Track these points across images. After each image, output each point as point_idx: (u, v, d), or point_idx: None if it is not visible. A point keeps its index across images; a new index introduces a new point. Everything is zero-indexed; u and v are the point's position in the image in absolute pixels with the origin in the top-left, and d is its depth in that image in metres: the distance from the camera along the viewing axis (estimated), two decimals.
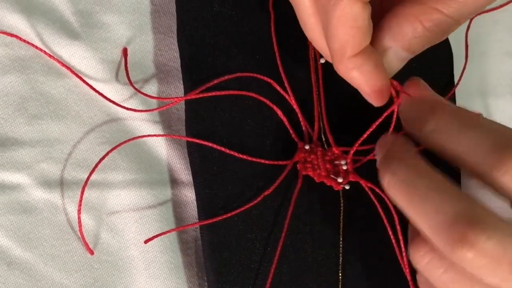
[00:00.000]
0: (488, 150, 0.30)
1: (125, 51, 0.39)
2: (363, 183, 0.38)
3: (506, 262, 0.27)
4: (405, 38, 0.33)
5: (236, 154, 0.38)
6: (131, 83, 0.38)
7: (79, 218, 0.37)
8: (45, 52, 0.38)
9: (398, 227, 0.37)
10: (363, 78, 0.33)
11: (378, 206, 0.38)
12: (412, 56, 0.34)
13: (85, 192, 0.37)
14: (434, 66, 0.42)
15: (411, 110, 0.34)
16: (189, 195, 0.40)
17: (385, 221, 0.37)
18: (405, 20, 0.32)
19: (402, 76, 0.35)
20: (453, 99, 0.42)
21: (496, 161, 0.29)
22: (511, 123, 0.46)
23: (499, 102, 0.46)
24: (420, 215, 0.30)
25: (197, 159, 0.38)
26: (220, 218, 0.37)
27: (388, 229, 0.37)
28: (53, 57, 0.38)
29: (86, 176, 0.38)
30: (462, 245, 0.28)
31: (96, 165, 0.37)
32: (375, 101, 0.34)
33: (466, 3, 0.32)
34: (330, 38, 0.32)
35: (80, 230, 0.37)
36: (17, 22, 0.38)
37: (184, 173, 0.40)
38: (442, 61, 0.43)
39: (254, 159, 0.38)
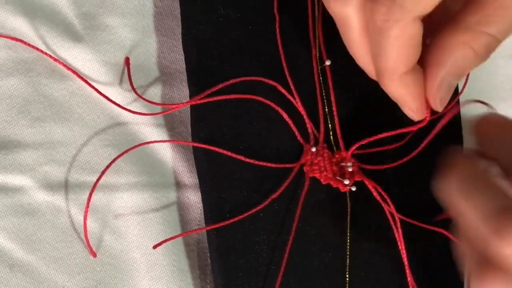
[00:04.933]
0: None
1: (127, 60, 0.39)
2: (367, 182, 0.38)
3: None
4: (457, 67, 0.33)
5: (242, 158, 0.38)
6: (135, 91, 0.38)
7: (85, 223, 0.37)
8: (50, 56, 0.38)
9: (399, 229, 0.37)
10: (410, 95, 0.34)
11: (383, 205, 0.38)
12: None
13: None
14: None
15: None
16: (192, 197, 0.40)
17: (391, 221, 0.38)
18: (457, 48, 0.32)
19: None
20: (457, 103, 0.42)
21: None
22: None
23: (502, 105, 0.46)
24: (470, 211, 0.30)
25: (204, 164, 0.38)
26: (227, 222, 0.37)
27: (394, 229, 0.37)
28: (58, 60, 0.38)
29: (89, 179, 0.38)
30: (500, 235, 0.27)
31: (102, 172, 0.37)
32: (417, 115, 0.35)
33: (509, 21, 0.32)
34: (382, 56, 0.32)
35: (85, 233, 0.37)
36: (21, 25, 0.38)
37: (188, 176, 0.40)
38: None
39: (260, 163, 0.38)
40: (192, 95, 0.38)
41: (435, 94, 0.34)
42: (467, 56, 0.33)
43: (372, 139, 0.38)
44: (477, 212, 0.29)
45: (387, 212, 0.38)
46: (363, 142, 0.38)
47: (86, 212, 0.37)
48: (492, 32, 0.32)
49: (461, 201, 0.30)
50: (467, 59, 0.33)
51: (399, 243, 0.38)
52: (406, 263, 0.37)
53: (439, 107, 0.34)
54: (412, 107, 0.34)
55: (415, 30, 0.31)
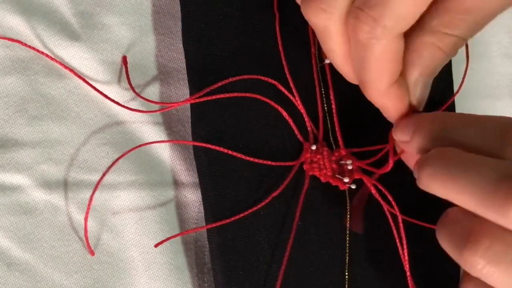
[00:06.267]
0: None
1: (125, 59, 0.39)
2: (366, 180, 0.38)
3: None
4: (427, 67, 0.33)
5: (242, 157, 0.38)
6: (133, 90, 0.38)
7: (85, 223, 0.37)
8: (47, 55, 0.38)
9: (401, 225, 0.37)
10: (393, 105, 0.34)
11: (382, 202, 0.38)
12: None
13: (86, 194, 0.38)
14: None
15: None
16: (190, 196, 0.40)
17: (389, 219, 0.38)
18: (425, 49, 0.33)
19: None
20: (452, 102, 0.43)
21: None
22: None
23: (498, 103, 0.46)
24: (464, 189, 0.30)
25: (204, 162, 0.38)
26: (228, 220, 0.37)
27: (392, 227, 0.37)
28: (55, 59, 0.38)
29: (86, 178, 0.38)
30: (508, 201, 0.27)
31: (104, 174, 0.38)
32: (395, 121, 0.35)
33: (474, 22, 0.33)
34: (366, 70, 0.33)
35: (86, 232, 0.37)
36: (18, 24, 0.38)
37: (185, 174, 0.40)
38: None
39: (260, 161, 0.38)
40: (192, 93, 0.38)
41: (412, 95, 0.34)
42: (436, 56, 0.33)
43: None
44: (475, 189, 0.29)
45: (386, 210, 0.38)
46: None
47: (87, 212, 0.37)
48: (458, 34, 0.33)
49: (454, 185, 0.30)
50: (435, 58, 0.33)
51: (397, 241, 0.37)
52: (406, 260, 0.37)
53: (418, 107, 0.35)
54: (393, 116, 0.35)
55: (398, 46, 0.32)
